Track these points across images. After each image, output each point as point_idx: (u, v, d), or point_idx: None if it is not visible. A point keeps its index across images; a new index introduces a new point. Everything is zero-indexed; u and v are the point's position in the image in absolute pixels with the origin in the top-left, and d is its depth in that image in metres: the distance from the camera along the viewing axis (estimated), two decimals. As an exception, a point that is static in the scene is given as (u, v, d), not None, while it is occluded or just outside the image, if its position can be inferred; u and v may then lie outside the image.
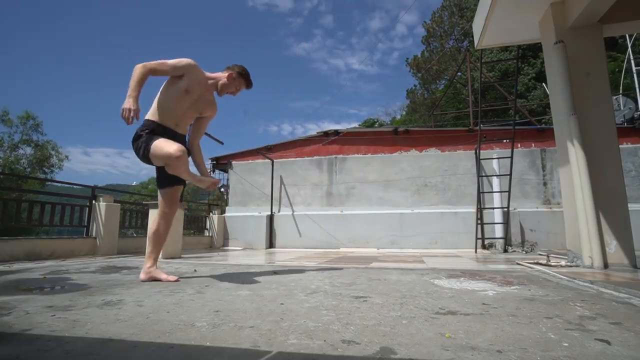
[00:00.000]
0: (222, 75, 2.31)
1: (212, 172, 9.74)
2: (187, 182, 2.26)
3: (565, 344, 0.96)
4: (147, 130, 2.11)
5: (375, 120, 27.42)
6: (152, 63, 2.08)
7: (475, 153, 6.34)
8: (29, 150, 20.33)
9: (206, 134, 6.83)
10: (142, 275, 2.21)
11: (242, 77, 2.37)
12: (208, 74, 2.31)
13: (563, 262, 3.01)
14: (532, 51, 16.69)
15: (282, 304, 1.52)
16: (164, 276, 2.19)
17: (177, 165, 1.99)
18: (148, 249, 2.29)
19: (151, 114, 2.19)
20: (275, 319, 1.25)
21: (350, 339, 1.03)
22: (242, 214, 7.43)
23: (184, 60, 2.18)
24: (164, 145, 2.01)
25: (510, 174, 5.63)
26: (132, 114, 1.91)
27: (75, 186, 5.47)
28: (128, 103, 1.94)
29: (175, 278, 2.19)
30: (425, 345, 0.96)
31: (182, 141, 2.27)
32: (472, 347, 0.95)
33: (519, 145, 6.42)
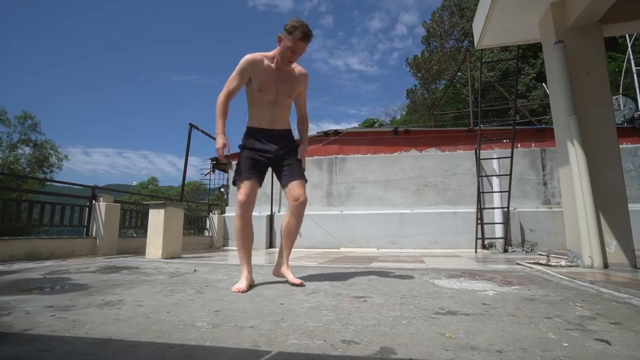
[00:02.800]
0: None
1: (212, 172, 9.75)
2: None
3: (565, 344, 0.96)
4: (243, 138, 2.14)
5: (375, 120, 27.43)
6: (225, 86, 2.08)
7: (475, 153, 6.34)
8: (27, 150, 20.33)
9: (206, 133, 6.84)
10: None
11: (291, 34, 1.95)
12: (269, 54, 2.09)
13: (563, 262, 3.01)
14: (532, 51, 16.68)
15: (282, 304, 1.52)
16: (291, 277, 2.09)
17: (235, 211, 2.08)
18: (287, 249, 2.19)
19: (248, 120, 2.16)
20: (275, 319, 1.25)
21: (350, 339, 1.03)
22: (242, 214, 7.41)
23: (241, 63, 2.05)
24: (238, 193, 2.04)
25: (510, 174, 5.63)
26: (222, 152, 2.00)
27: (75, 186, 5.47)
28: (217, 142, 2.01)
29: (299, 281, 2.02)
30: (425, 345, 0.96)
31: (280, 138, 2.13)
32: (472, 347, 0.95)
33: (519, 145, 6.42)
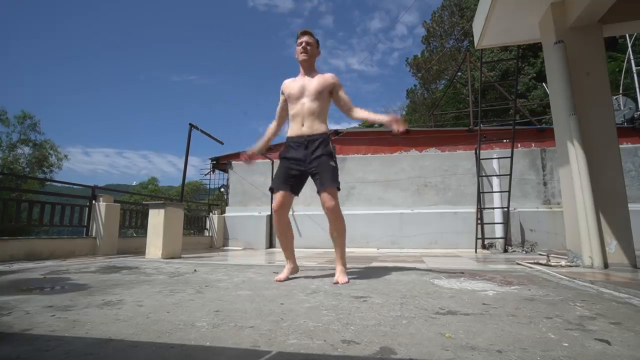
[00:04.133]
0: None
1: (212, 172, 9.75)
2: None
3: (565, 344, 0.96)
4: (281, 150, 2.40)
5: (375, 120, 27.36)
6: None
7: (475, 153, 6.34)
8: (27, 149, 20.32)
9: (206, 133, 6.83)
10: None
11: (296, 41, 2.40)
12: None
13: (563, 262, 3.01)
14: (532, 51, 16.68)
15: (282, 304, 1.52)
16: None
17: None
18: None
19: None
20: (275, 319, 1.25)
21: (350, 339, 1.03)
22: (242, 214, 7.42)
23: (281, 89, 2.44)
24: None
25: (510, 174, 5.63)
26: (241, 157, 2.59)
27: (75, 186, 5.46)
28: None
29: (344, 280, 2.14)
30: (425, 345, 0.96)
31: (309, 144, 2.28)
32: (472, 347, 0.95)
33: (519, 145, 6.42)
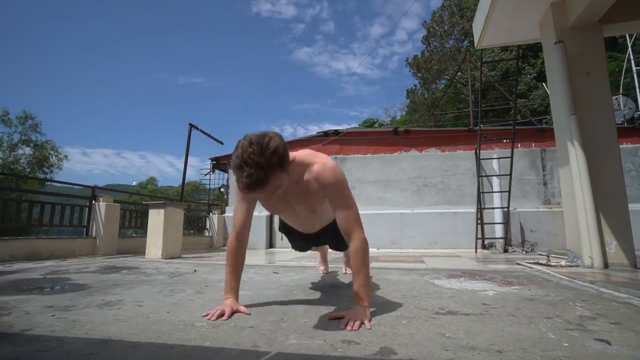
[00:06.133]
0: None
1: (211, 172, 9.75)
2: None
3: (565, 344, 0.96)
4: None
5: (375, 120, 27.43)
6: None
7: (475, 153, 6.34)
8: (28, 150, 20.31)
9: (205, 133, 6.83)
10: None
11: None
12: None
13: (563, 262, 3.01)
14: (532, 51, 16.68)
15: (282, 303, 1.52)
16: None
17: None
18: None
19: None
20: (275, 319, 1.25)
21: (350, 339, 1.03)
22: (242, 214, 7.42)
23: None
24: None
25: (510, 174, 5.63)
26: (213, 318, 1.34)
27: (75, 186, 5.47)
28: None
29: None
30: (425, 345, 0.96)
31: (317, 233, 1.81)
32: (472, 347, 0.95)
33: (519, 145, 6.42)
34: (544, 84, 14.06)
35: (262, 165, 1.04)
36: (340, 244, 1.85)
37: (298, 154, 1.35)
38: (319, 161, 1.35)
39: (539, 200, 6.31)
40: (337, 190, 1.36)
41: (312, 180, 1.34)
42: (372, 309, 1.31)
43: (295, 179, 1.33)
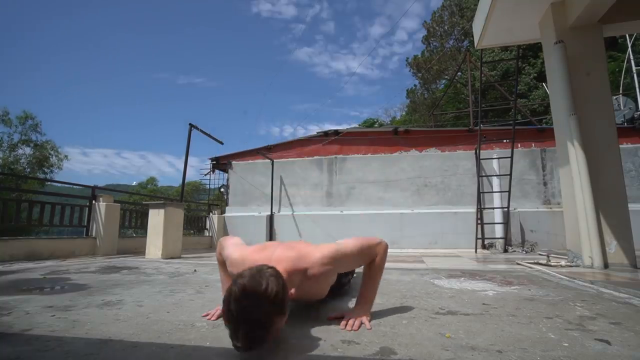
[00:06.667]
0: None
1: (211, 172, 9.75)
2: None
3: (565, 344, 0.96)
4: None
5: (375, 120, 27.42)
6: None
7: (475, 153, 6.34)
8: (28, 150, 20.31)
9: (206, 133, 6.83)
10: None
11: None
12: None
13: (563, 262, 3.01)
14: (532, 51, 16.67)
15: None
16: None
17: None
18: None
19: None
20: (275, 319, 1.25)
21: (350, 339, 1.03)
22: (242, 214, 7.42)
23: None
24: None
25: (510, 174, 5.63)
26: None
27: (75, 186, 5.46)
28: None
29: None
30: (425, 345, 0.96)
31: None
32: (472, 347, 0.95)
33: (519, 145, 6.42)
34: (544, 84, 14.06)
35: (261, 322, 0.88)
36: (342, 287, 1.72)
37: (286, 266, 1.17)
38: (307, 263, 1.20)
39: (539, 200, 6.31)
40: (342, 263, 1.27)
41: (314, 282, 1.23)
42: (372, 309, 1.31)
43: (295, 288, 1.16)
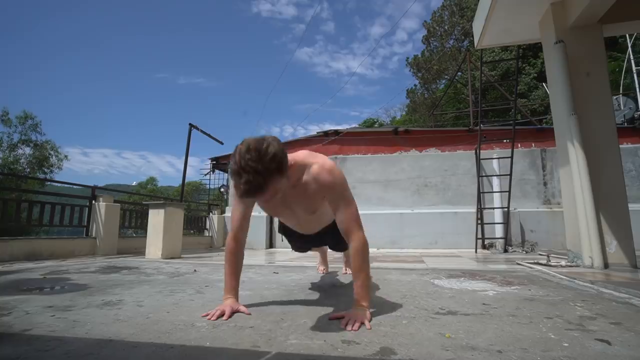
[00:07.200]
0: None
1: (211, 172, 9.75)
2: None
3: (566, 344, 0.96)
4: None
5: (375, 120, 27.43)
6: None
7: (476, 153, 6.34)
8: (28, 150, 20.30)
9: (206, 133, 6.83)
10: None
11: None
12: None
13: (563, 262, 3.01)
14: (532, 51, 16.68)
15: (282, 303, 1.52)
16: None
17: None
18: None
19: None
20: (275, 319, 1.25)
21: (350, 339, 1.03)
22: (242, 214, 7.42)
23: None
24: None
25: (510, 174, 5.63)
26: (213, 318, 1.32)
27: (75, 186, 5.46)
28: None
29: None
30: (425, 345, 0.96)
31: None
32: (472, 347, 0.95)
33: (519, 145, 6.42)
34: (544, 84, 14.06)
35: (261, 172, 1.04)
36: (339, 245, 1.85)
37: (296, 156, 1.34)
38: (317, 162, 1.35)
39: (539, 200, 6.31)
40: (336, 190, 1.35)
41: (311, 181, 1.33)
42: (372, 309, 1.31)
43: (293, 181, 1.31)
